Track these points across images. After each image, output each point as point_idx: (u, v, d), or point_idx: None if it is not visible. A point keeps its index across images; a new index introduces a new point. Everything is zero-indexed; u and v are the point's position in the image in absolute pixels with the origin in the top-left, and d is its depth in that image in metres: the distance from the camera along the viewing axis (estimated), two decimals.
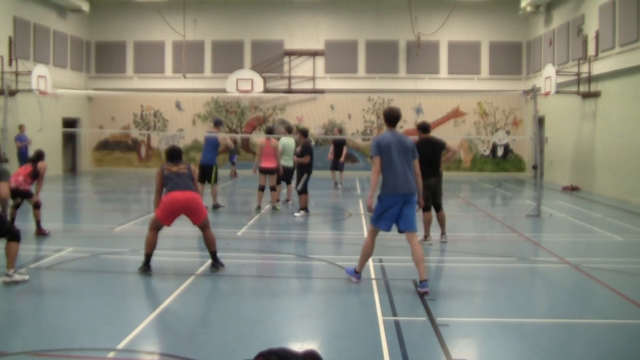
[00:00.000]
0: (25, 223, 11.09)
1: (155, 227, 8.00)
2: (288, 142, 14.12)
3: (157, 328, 6.00)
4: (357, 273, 7.52)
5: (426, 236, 10.10)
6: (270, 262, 9.08)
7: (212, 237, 8.11)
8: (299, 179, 13.49)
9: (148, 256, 7.93)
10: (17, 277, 7.27)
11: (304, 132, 13.88)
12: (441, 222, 10.33)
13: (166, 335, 5.85)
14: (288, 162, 14.06)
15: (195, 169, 8.34)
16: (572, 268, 8.51)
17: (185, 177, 7.98)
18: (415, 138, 9.24)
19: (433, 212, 10.22)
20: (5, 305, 6.65)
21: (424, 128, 10.18)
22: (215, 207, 13.82)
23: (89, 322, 6.04)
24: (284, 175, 14.30)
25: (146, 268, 7.89)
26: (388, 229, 7.34)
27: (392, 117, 7.50)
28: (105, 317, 6.20)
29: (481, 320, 6.28)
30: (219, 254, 8.19)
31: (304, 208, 13.27)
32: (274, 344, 4.57)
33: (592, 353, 5.45)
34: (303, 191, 13.33)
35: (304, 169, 13.42)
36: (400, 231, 7.34)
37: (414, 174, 7.34)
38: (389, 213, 7.23)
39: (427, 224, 10.08)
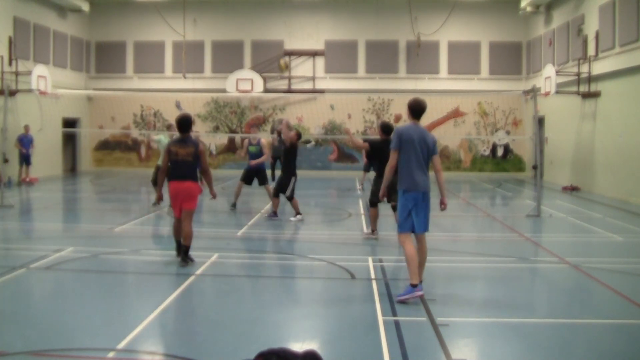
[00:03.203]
0: (27, 223, 11.14)
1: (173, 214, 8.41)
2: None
3: (157, 328, 6.00)
4: (414, 286, 6.65)
5: (373, 230, 10.43)
6: (270, 262, 9.07)
7: (189, 231, 8.21)
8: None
9: (177, 242, 8.40)
10: None
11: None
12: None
13: (166, 335, 5.85)
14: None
15: (204, 149, 8.44)
16: (572, 268, 8.51)
17: (185, 164, 8.13)
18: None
19: (380, 208, 10.44)
20: (6, 305, 6.65)
21: (386, 129, 10.22)
22: (233, 205, 13.86)
23: (89, 322, 6.03)
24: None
25: (178, 254, 8.29)
26: (412, 230, 6.87)
27: (417, 109, 6.96)
28: (105, 317, 6.19)
29: (481, 320, 6.28)
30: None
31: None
32: (274, 344, 4.56)
33: (592, 353, 5.45)
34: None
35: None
36: (412, 231, 6.88)
37: (427, 171, 6.90)
38: (410, 211, 6.81)
39: (373, 219, 10.39)
